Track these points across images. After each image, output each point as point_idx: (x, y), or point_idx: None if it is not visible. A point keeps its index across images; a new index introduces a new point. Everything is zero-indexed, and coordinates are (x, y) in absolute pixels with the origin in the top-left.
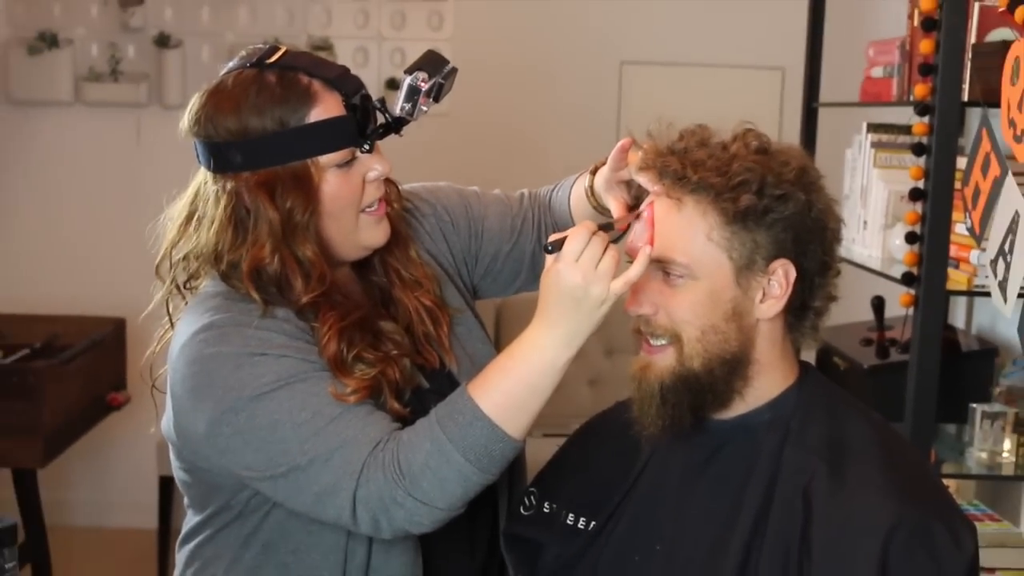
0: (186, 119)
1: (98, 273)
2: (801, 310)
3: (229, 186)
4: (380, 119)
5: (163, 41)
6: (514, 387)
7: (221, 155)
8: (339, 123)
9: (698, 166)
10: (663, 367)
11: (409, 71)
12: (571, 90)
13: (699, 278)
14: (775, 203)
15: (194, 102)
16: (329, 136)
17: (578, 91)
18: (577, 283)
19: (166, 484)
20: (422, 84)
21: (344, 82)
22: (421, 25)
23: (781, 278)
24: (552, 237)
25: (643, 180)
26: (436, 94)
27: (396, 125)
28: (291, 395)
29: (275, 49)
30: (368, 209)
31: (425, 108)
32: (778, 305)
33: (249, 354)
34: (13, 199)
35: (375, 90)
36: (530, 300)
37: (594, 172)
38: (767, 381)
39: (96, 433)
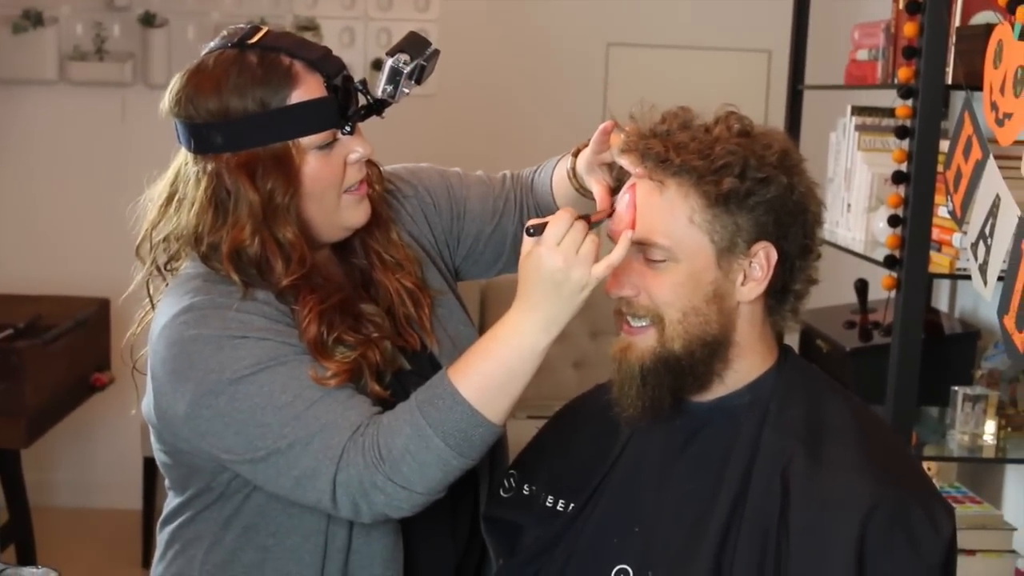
0: (167, 99)
1: (82, 253)
2: (782, 293)
3: (210, 167)
4: (362, 101)
5: (148, 20)
6: (494, 371)
7: (202, 136)
8: (320, 104)
9: (680, 149)
10: (644, 348)
11: (391, 53)
12: (557, 72)
13: (680, 260)
14: (757, 186)
15: (175, 82)
16: (310, 118)
17: (564, 73)
18: (558, 267)
19: (150, 465)
20: (404, 66)
21: (326, 63)
22: (407, 6)
23: (762, 260)
24: (533, 221)
25: (625, 162)
26: (418, 76)
27: (378, 107)
28: (271, 378)
29: (256, 29)
30: (349, 190)
31: (407, 90)
32: (759, 288)
33: (230, 336)
34: None
35: (361, 71)
36: (514, 281)
37: (576, 154)
38: (747, 363)
39: (80, 413)
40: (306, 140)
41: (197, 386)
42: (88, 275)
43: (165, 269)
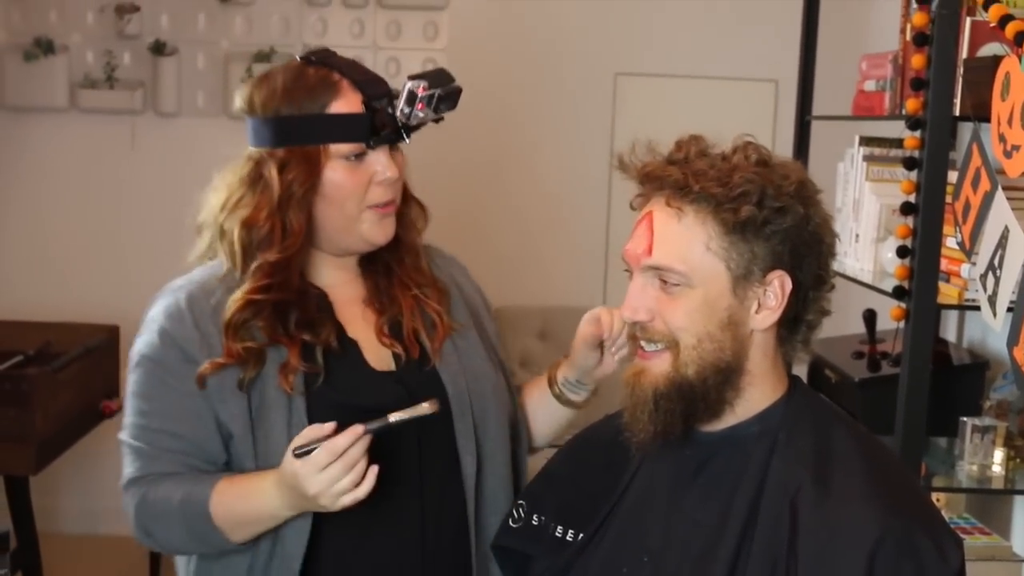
0: (238, 98)
1: (92, 280)
2: (794, 323)
3: (254, 155)
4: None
5: (159, 48)
6: (242, 513)
7: (257, 131)
8: (353, 119)
9: (699, 176)
10: (657, 373)
11: (412, 77)
12: (565, 101)
13: (696, 286)
14: (774, 215)
15: (248, 83)
16: (342, 128)
17: (572, 102)
18: (311, 493)
19: None
20: (420, 91)
21: (370, 85)
22: (416, 35)
23: (777, 289)
24: (299, 441)
25: (643, 189)
26: (435, 105)
27: (404, 131)
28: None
29: (326, 51)
30: (374, 206)
31: (422, 114)
32: (773, 316)
33: (155, 324)
34: (7, 205)
35: None
36: (522, 310)
37: (552, 375)
38: (757, 393)
39: (88, 440)
40: (334, 147)
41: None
42: (98, 302)
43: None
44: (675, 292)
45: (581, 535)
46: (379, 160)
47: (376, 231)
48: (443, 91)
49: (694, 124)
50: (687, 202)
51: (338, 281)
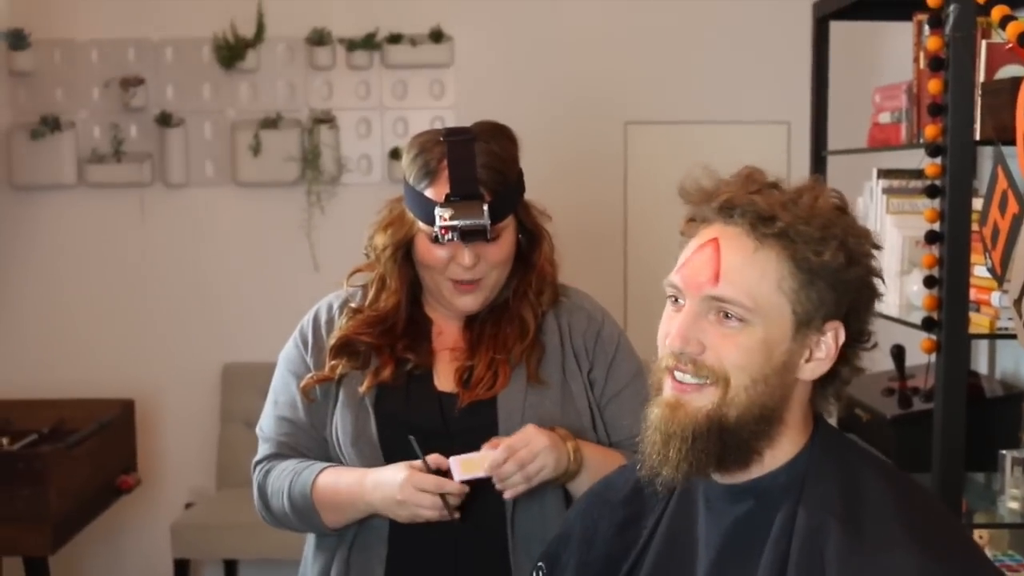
0: None
1: (105, 355)
2: (830, 376)
3: (392, 206)
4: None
5: (165, 120)
6: (340, 501)
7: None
8: (431, 205)
9: (785, 209)
10: (697, 407)
11: (442, 204)
12: (575, 152)
13: (758, 325)
14: (848, 265)
15: None
16: (422, 209)
17: (583, 152)
18: (397, 500)
19: (181, 567)
20: (441, 220)
21: (457, 185)
22: (423, 94)
23: (831, 340)
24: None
25: (706, 215)
26: (461, 236)
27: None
28: (279, 374)
29: (460, 131)
30: (455, 281)
31: (449, 237)
32: (822, 367)
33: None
34: (18, 284)
35: (379, 161)
36: None
37: None
38: (787, 443)
39: (108, 517)
40: (420, 224)
41: None
42: (111, 377)
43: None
44: (735, 328)
45: None
46: (458, 249)
47: (458, 303)
48: (464, 226)
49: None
50: (769, 234)
51: (443, 316)
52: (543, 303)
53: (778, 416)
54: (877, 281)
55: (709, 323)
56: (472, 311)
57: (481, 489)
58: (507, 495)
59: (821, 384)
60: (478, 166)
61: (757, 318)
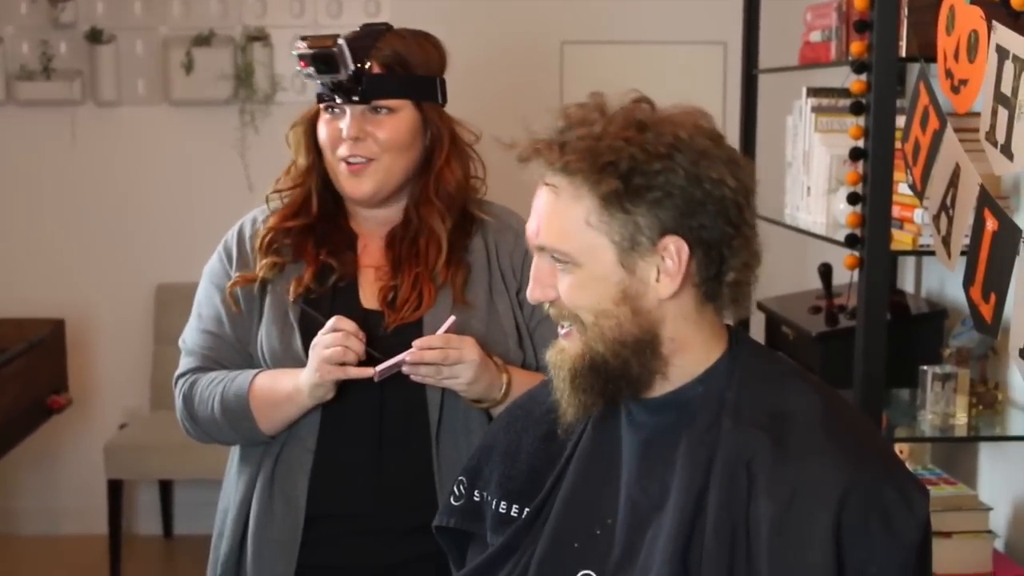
0: None
1: (36, 275)
2: (715, 282)
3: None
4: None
5: (95, 36)
6: (277, 398)
7: None
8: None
9: (568, 150)
10: (572, 352)
11: (303, 38)
12: (511, 72)
13: (582, 264)
14: (651, 180)
15: None
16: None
17: (519, 73)
18: (314, 368)
19: (115, 488)
20: (301, 48)
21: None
22: (358, 12)
23: (673, 255)
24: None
25: (531, 169)
26: (315, 65)
27: (338, 91)
28: (203, 287)
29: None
30: (342, 159)
31: (309, 71)
32: (674, 283)
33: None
34: None
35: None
36: None
37: None
38: (690, 358)
39: (41, 438)
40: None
41: None
42: (42, 296)
43: None
44: (567, 270)
45: (527, 511)
46: (344, 118)
47: (346, 186)
48: (313, 49)
49: (643, 89)
50: (560, 178)
51: (367, 231)
52: (452, 213)
53: (652, 338)
54: (718, 179)
55: (552, 270)
56: (364, 197)
57: (403, 385)
58: (412, 377)
59: (711, 291)
60: (374, 43)
61: (579, 258)
